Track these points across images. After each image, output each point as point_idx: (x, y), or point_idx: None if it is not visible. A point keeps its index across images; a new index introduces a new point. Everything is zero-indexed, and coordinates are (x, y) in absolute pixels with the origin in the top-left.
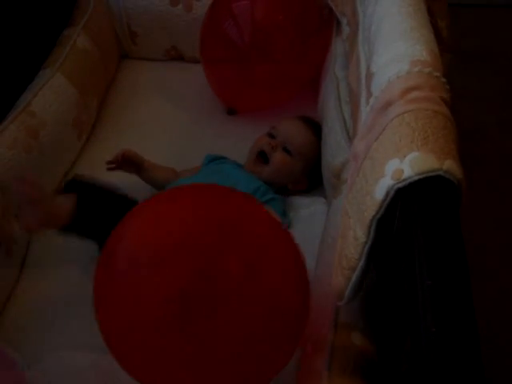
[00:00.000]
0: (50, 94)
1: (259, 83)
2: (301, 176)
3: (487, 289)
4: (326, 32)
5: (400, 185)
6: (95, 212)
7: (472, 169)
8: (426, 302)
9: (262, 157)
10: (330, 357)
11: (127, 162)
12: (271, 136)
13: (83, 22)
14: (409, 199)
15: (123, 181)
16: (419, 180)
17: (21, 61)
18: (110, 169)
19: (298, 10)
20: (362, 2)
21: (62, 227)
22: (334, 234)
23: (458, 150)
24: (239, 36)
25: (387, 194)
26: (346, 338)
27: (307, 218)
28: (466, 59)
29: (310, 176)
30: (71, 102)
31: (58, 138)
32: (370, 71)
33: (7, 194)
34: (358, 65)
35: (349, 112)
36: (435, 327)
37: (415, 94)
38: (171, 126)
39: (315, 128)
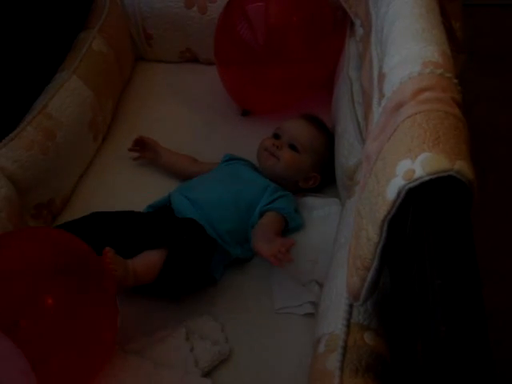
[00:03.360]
0: (66, 97)
1: (273, 84)
2: (311, 172)
3: (499, 291)
4: (340, 33)
5: (411, 185)
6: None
7: (487, 169)
8: (436, 302)
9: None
10: (342, 357)
11: (144, 146)
12: (276, 136)
13: (99, 24)
14: (420, 199)
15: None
16: (430, 180)
17: (37, 64)
18: (135, 158)
19: (312, 12)
20: (374, 3)
21: None
22: (347, 235)
23: (469, 151)
24: (253, 38)
25: (399, 194)
26: (359, 337)
27: (321, 219)
28: (480, 60)
29: (321, 172)
30: (87, 104)
31: (74, 140)
32: (382, 72)
33: (25, 194)
34: (370, 66)
35: (362, 113)
36: (445, 326)
37: (427, 94)
38: (186, 127)
39: (319, 124)
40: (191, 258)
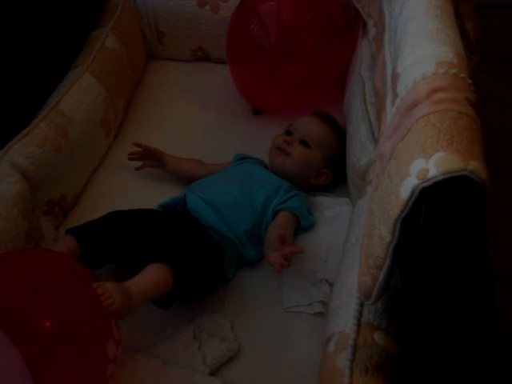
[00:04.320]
0: (79, 94)
1: (285, 84)
2: (322, 168)
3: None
4: (352, 33)
5: (425, 184)
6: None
7: (498, 171)
8: (449, 301)
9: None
10: (352, 356)
11: (147, 156)
12: (288, 133)
13: (112, 22)
14: (434, 199)
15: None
16: (444, 180)
17: (50, 61)
18: (131, 158)
19: (324, 12)
20: (388, 3)
21: None
22: (359, 234)
23: (483, 151)
24: (265, 37)
25: (412, 193)
26: (369, 337)
27: (332, 219)
28: (493, 61)
29: (332, 169)
30: (99, 102)
31: (87, 137)
32: (395, 72)
33: (37, 191)
34: (383, 66)
35: (374, 113)
36: (458, 325)
37: (441, 95)
38: (197, 126)
39: (331, 121)
40: (197, 274)
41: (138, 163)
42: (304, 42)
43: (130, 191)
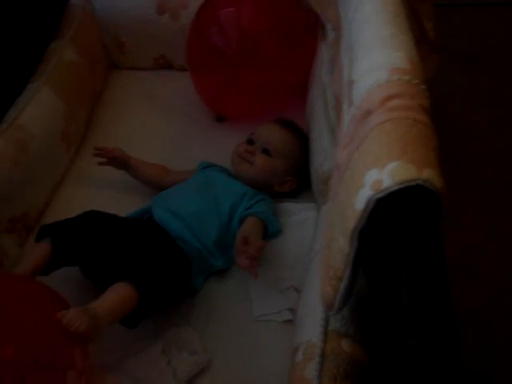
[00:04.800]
0: (38, 108)
1: (247, 90)
2: (286, 176)
3: (479, 291)
4: (313, 37)
5: (379, 195)
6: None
7: (464, 167)
8: (406, 316)
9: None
10: (320, 365)
11: (113, 159)
12: (250, 142)
13: (70, 34)
14: (389, 209)
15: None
16: (399, 190)
17: (8, 75)
18: (100, 163)
19: (285, 16)
20: (343, 7)
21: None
22: (323, 242)
23: (438, 158)
24: (226, 43)
25: (367, 204)
26: (337, 345)
27: (298, 224)
28: (454, 59)
29: (296, 176)
30: (59, 115)
31: (47, 151)
32: (351, 79)
33: None
34: (341, 71)
35: (335, 118)
36: (414, 339)
37: (395, 102)
38: (161, 135)
39: (293, 128)
40: (163, 290)
41: (106, 171)
42: (265, 46)
43: (95, 204)
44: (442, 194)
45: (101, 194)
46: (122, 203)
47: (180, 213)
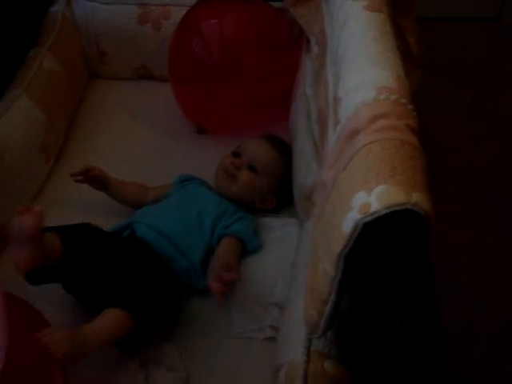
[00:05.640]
0: (16, 118)
1: (229, 102)
2: (268, 194)
3: (461, 304)
4: (296, 50)
5: (367, 219)
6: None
7: (445, 181)
8: (395, 347)
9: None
10: None
11: (92, 179)
12: (236, 155)
13: (49, 42)
14: (377, 233)
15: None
16: (387, 214)
17: None
18: (77, 181)
19: (267, 29)
20: (329, 22)
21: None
22: (306, 259)
23: (426, 180)
24: (208, 55)
25: (355, 228)
26: (320, 365)
27: (279, 240)
28: (436, 73)
29: (278, 194)
30: (38, 126)
31: (25, 163)
32: (337, 96)
33: None
34: (326, 87)
35: (318, 132)
36: (404, 372)
37: (382, 122)
38: (141, 146)
39: (281, 146)
40: (157, 313)
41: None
42: (247, 59)
43: (74, 217)
44: (431, 218)
45: (79, 206)
46: (101, 216)
47: (164, 231)
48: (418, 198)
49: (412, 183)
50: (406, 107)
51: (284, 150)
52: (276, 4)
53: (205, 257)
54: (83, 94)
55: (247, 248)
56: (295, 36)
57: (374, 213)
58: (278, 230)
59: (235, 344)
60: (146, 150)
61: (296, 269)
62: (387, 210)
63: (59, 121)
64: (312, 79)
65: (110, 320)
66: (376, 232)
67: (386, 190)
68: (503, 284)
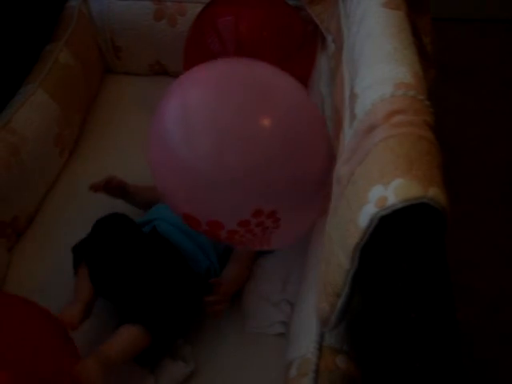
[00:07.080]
0: (32, 111)
1: None
2: None
3: (473, 306)
4: (311, 48)
5: (384, 212)
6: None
7: (458, 182)
8: (411, 338)
9: None
10: (314, 381)
11: (110, 189)
12: None
13: (66, 37)
14: (393, 227)
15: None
16: (403, 208)
17: (2, 77)
18: (96, 191)
19: (283, 25)
20: (346, 20)
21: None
22: (319, 255)
23: (442, 176)
24: (223, 51)
25: (371, 221)
26: (331, 361)
27: None
28: (449, 73)
29: None
30: (53, 119)
31: (40, 156)
32: (353, 92)
33: None
34: (342, 84)
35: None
36: (420, 363)
37: (399, 117)
38: None
39: None
40: (176, 327)
41: (100, 176)
42: (262, 56)
43: (87, 211)
44: (447, 212)
45: (93, 200)
46: (117, 210)
47: (184, 228)
48: (434, 193)
49: (429, 178)
50: (424, 103)
51: None
52: (291, 2)
53: (222, 253)
54: (98, 88)
55: None
56: (310, 33)
57: (391, 206)
58: None
59: (246, 340)
60: None
61: (308, 266)
62: (404, 204)
63: (74, 114)
64: (327, 77)
65: (129, 337)
66: (392, 225)
67: (402, 184)
68: None
